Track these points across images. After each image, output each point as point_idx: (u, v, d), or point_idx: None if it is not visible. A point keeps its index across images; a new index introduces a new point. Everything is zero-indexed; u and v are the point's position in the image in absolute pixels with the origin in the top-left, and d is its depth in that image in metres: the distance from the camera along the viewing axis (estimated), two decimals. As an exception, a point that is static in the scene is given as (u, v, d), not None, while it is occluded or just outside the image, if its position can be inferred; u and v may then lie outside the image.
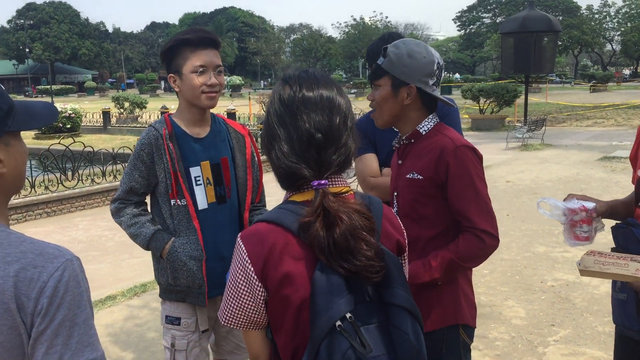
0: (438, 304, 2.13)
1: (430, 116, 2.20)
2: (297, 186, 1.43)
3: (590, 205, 2.13)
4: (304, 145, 1.38)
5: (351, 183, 1.59)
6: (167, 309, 2.64)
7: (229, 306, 1.43)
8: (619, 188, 9.72)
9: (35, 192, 9.27)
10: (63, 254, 1.18)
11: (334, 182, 1.43)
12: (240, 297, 1.40)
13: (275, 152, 1.42)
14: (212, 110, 2.64)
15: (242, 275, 1.39)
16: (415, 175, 2.14)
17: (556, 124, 22.24)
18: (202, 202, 2.56)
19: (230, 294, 1.42)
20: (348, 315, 1.27)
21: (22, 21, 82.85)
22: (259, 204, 2.79)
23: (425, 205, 2.14)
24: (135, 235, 2.58)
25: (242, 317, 1.42)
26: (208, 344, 2.75)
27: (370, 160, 2.79)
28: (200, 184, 2.56)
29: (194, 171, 2.55)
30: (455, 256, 2.06)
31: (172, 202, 2.53)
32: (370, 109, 2.43)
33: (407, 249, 1.60)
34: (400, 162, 2.26)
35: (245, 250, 1.39)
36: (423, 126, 2.19)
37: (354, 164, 2.39)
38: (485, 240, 2.05)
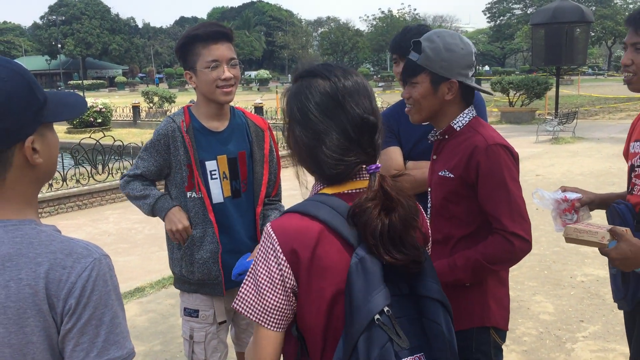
0: (465, 304, 2.07)
1: (466, 111, 2.12)
2: (348, 177, 1.42)
3: (573, 196, 2.25)
4: (359, 131, 1.37)
5: None
6: (186, 300, 2.66)
7: (261, 298, 1.35)
8: (653, 182, 9.51)
9: (67, 185, 9.45)
10: (91, 253, 1.19)
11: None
12: (274, 286, 1.34)
13: (324, 148, 1.38)
14: (237, 104, 2.65)
15: (275, 265, 1.34)
16: (447, 173, 2.08)
17: (588, 116, 21.81)
18: (217, 196, 2.56)
19: (262, 285, 1.35)
20: (386, 309, 1.26)
21: (54, 17, 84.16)
22: (274, 198, 2.78)
23: (456, 204, 2.08)
24: (143, 196, 2.57)
25: (275, 309, 1.35)
26: (226, 336, 2.76)
27: (395, 153, 2.73)
28: (216, 178, 2.56)
29: (210, 165, 2.55)
30: (482, 257, 1.99)
31: (189, 194, 2.54)
32: (394, 102, 2.41)
33: (430, 241, 1.59)
34: (434, 157, 2.20)
35: (276, 240, 1.35)
36: (457, 122, 2.11)
37: None
38: (514, 244, 1.97)
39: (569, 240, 2.15)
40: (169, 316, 5.02)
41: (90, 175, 9.84)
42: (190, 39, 2.47)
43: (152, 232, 7.73)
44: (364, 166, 1.41)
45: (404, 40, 2.63)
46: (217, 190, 2.56)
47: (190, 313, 2.64)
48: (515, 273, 5.64)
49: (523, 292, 5.20)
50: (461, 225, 2.09)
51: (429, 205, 2.23)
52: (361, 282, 1.28)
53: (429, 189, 2.23)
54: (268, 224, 1.40)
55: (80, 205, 9.40)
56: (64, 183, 9.43)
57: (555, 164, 11.95)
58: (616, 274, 2.32)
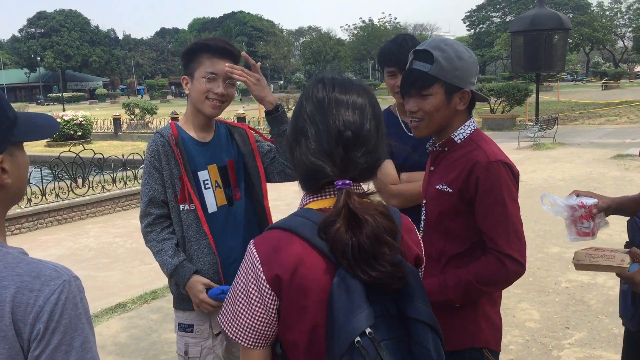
0: (456, 324, 2.00)
1: (468, 122, 2.04)
2: (318, 187, 1.39)
3: (590, 201, 2.12)
4: (332, 142, 1.34)
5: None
6: (180, 316, 2.63)
7: (237, 316, 1.35)
8: (633, 186, 9.57)
9: (46, 199, 9.31)
10: (60, 275, 1.15)
11: (356, 187, 1.39)
12: (251, 305, 1.33)
13: (300, 148, 1.38)
14: (222, 116, 2.63)
15: (254, 282, 1.32)
16: (445, 187, 2.00)
17: (568, 122, 22.06)
18: (211, 206, 2.56)
19: (239, 303, 1.35)
20: (368, 330, 1.21)
21: (33, 30, 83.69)
22: None
23: (452, 220, 2.01)
24: (161, 265, 2.55)
25: (251, 328, 1.34)
26: (222, 351, 2.70)
27: (389, 167, 2.68)
28: (209, 188, 2.57)
29: (202, 175, 2.56)
30: (475, 279, 1.91)
31: (182, 207, 2.53)
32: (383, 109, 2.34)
33: (424, 263, 1.55)
34: (432, 168, 2.13)
35: (257, 257, 1.33)
36: (459, 133, 2.03)
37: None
38: (507, 266, 1.90)
39: (580, 267, 2.03)
40: (152, 332, 4.92)
41: (70, 189, 9.70)
42: (199, 47, 2.52)
43: (133, 246, 7.62)
44: (332, 182, 1.37)
45: (402, 52, 2.53)
46: (211, 200, 2.57)
47: (184, 328, 2.60)
48: (500, 280, 5.62)
49: (508, 300, 5.18)
50: (456, 242, 2.01)
51: (422, 218, 2.15)
52: (343, 302, 1.24)
53: (424, 201, 2.16)
54: (251, 241, 1.38)
55: (60, 220, 9.25)
56: (43, 197, 9.29)
57: (537, 170, 12.03)
58: (627, 292, 2.21)
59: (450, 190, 1.99)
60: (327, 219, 1.29)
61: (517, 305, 5.07)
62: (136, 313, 5.38)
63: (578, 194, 2.22)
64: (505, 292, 5.25)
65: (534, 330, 4.56)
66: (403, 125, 2.74)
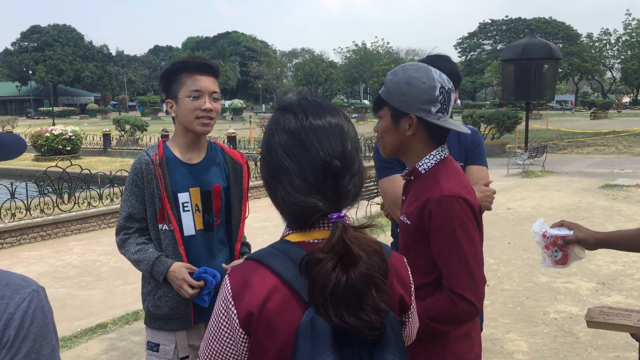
0: None
1: (434, 152, 1.96)
2: (309, 223, 1.30)
3: (554, 232, 2.15)
4: (320, 176, 1.25)
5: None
6: (149, 334, 2.63)
7: (210, 347, 1.31)
8: (621, 216, 9.59)
9: (31, 215, 9.16)
10: (30, 285, 1.16)
11: (348, 219, 1.30)
12: (222, 339, 1.29)
13: (283, 187, 1.28)
14: (212, 135, 2.60)
15: (225, 317, 1.27)
16: (406, 219, 1.96)
17: (557, 150, 22.19)
18: (188, 228, 2.55)
19: (212, 335, 1.31)
20: None
21: (26, 43, 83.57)
22: None
23: (415, 252, 1.94)
24: (139, 261, 2.53)
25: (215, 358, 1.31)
26: None
27: (399, 180, 2.60)
28: (188, 210, 2.55)
29: (182, 197, 2.55)
30: (425, 314, 1.82)
31: (160, 226, 2.53)
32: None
33: (412, 306, 1.46)
34: (404, 197, 2.08)
35: (230, 291, 1.27)
36: (423, 164, 1.97)
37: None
38: (458, 305, 1.82)
39: (592, 324, 1.99)
40: (132, 355, 4.80)
41: (55, 204, 9.56)
42: (177, 68, 2.53)
43: (117, 265, 7.48)
44: (324, 216, 1.29)
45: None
46: (189, 223, 2.55)
47: (152, 347, 2.60)
48: (489, 309, 5.57)
49: (497, 330, 5.12)
50: (420, 273, 1.92)
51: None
52: (307, 347, 1.16)
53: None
54: (228, 271, 1.33)
55: (44, 236, 9.09)
56: (28, 213, 9.14)
57: (525, 198, 12.03)
58: None
59: (408, 223, 1.94)
60: (315, 255, 1.20)
61: (505, 336, 5.00)
62: (117, 334, 5.25)
63: (562, 223, 2.22)
64: (493, 322, 5.22)
65: (522, 361, 4.48)
66: None
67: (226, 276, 1.31)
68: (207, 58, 2.63)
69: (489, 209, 2.76)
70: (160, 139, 2.78)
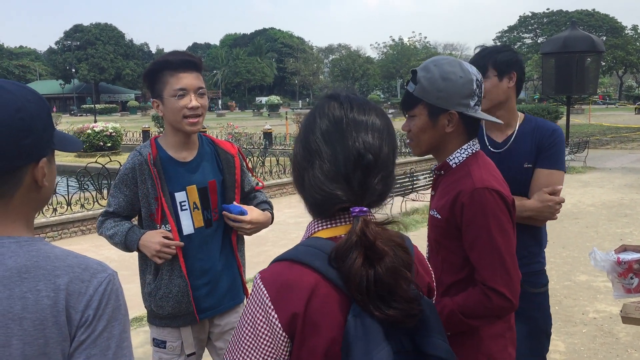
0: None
1: (465, 145, 1.94)
2: (330, 214, 1.30)
3: (629, 256, 1.98)
4: (350, 165, 1.25)
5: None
6: (155, 331, 2.64)
7: (239, 356, 1.24)
8: (667, 214, 9.30)
9: (72, 210, 9.39)
10: (105, 269, 1.25)
11: (371, 215, 1.29)
12: (262, 348, 1.22)
13: (312, 170, 1.29)
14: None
15: (264, 324, 1.22)
16: (436, 213, 1.93)
17: (599, 146, 21.65)
18: (187, 227, 2.54)
19: (249, 346, 1.23)
20: None
21: (69, 42, 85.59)
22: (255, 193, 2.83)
23: (446, 247, 1.91)
24: (113, 235, 2.53)
25: None
26: None
27: None
28: (186, 209, 2.54)
29: (179, 196, 2.54)
30: (459, 309, 1.81)
31: (158, 227, 2.52)
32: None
33: (435, 291, 1.47)
34: (433, 193, 2.06)
35: (268, 296, 1.22)
36: (454, 157, 1.94)
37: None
38: (492, 300, 1.78)
39: (627, 320, 1.93)
40: (166, 348, 4.87)
41: (95, 200, 9.77)
42: (159, 67, 2.47)
43: (154, 259, 7.61)
44: (347, 209, 1.27)
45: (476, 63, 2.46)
46: (188, 222, 2.54)
47: (158, 344, 2.62)
48: (525, 308, 5.45)
49: (533, 329, 5.01)
50: (451, 270, 1.91)
51: (427, 244, 2.08)
52: (360, 341, 1.15)
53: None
54: (257, 275, 1.27)
55: (84, 230, 9.32)
56: (69, 207, 9.37)
57: (566, 194, 11.72)
58: None
59: (439, 217, 1.90)
60: (340, 249, 1.20)
61: (541, 335, 4.89)
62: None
63: (625, 248, 2.08)
64: (529, 321, 5.09)
65: (559, 362, 4.39)
66: (486, 139, 2.66)
67: (258, 280, 1.26)
68: (188, 52, 2.58)
69: (552, 219, 2.60)
70: (152, 137, 2.81)
